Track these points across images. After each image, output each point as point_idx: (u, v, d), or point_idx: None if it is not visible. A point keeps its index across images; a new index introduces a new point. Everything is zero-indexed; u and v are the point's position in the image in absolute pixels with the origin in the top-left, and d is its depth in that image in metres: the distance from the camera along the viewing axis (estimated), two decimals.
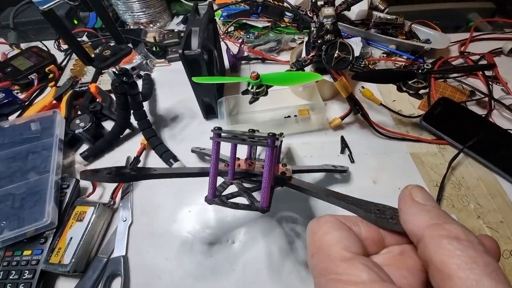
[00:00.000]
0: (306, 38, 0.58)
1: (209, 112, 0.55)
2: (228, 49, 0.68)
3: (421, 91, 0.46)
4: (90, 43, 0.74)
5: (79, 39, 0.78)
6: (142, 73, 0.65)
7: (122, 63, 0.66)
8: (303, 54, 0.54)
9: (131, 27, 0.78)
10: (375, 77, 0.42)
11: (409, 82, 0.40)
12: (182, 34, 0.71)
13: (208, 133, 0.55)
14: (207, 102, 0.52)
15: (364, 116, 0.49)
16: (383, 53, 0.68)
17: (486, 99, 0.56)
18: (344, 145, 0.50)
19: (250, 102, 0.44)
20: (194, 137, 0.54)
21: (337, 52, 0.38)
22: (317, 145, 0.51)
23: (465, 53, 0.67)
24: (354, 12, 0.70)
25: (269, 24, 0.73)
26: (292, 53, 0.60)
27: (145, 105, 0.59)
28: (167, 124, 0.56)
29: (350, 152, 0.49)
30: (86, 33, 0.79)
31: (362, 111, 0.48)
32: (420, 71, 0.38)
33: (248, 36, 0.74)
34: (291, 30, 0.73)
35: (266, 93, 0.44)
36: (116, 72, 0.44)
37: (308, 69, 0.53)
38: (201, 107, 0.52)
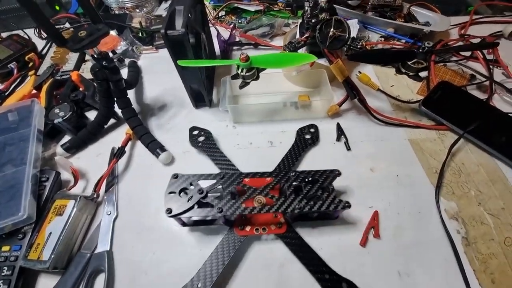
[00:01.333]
0: (299, 22, 0.55)
1: (198, 100, 0.52)
2: (218, 35, 0.65)
3: (421, 74, 0.44)
4: (72, 29, 0.70)
5: (61, 26, 0.74)
6: (127, 60, 0.62)
7: (106, 49, 0.62)
8: (297, 36, 0.51)
9: (116, 12, 0.74)
10: (373, 57, 0.40)
11: (409, 63, 0.37)
12: None
13: (197, 122, 0.54)
14: (195, 90, 0.49)
15: (361, 102, 0.47)
16: (380, 37, 0.65)
17: (487, 83, 0.54)
18: (340, 132, 0.48)
19: (240, 87, 0.42)
20: (183, 127, 0.51)
21: (332, 30, 0.36)
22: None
23: (465, 36, 0.64)
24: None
25: (261, 7, 0.69)
26: (285, 36, 0.57)
27: (131, 93, 0.56)
28: (154, 113, 0.54)
29: (346, 139, 0.47)
30: (67, 19, 0.74)
31: (359, 96, 0.46)
32: (420, 51, 0.36)
33: (239, 21, 0.70)
34: (285, 14, 0.70)
35: (257, 77, 0.42)
36: (95, 56, 0.41)
37: (302, 51, 0.50)
38: (190, 94, 0.50)
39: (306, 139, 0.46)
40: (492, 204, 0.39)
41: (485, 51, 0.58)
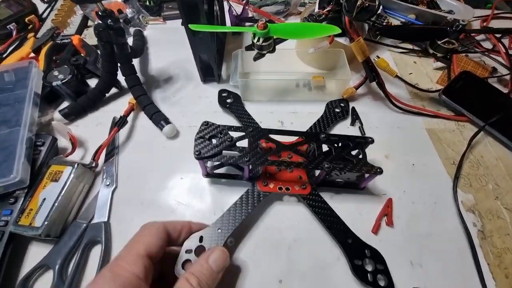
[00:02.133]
0: None
1: (207, 74, 0.49)
2: (230, 9, 0.61)
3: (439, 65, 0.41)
4: None
5: None
6: (132, 29, 0.58)
7: None
8: (316, 10, 0.48)
9: None
10: (402, 33, 0.37)
11: (439, 42, 0.35)
12: None
13: (205, 97, 0.51)
14: (205, 62, 0.46)
15: (380, 85, 0.44)
16: (401, 23, 0.61)
17: (508, 77, 0.51)
18: (355, 116, 0.45)
19: (255, 59, 0.39)
20: (190, 101, 0.48)
21: None
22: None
23: (488, 29, 0.61)
24: None
25: None
26: (304, 10, 0.54)
27: (136, 63, 0.53)
28: (159, 85, 0.51)
29: (361, 124, 0.44)
30: None
31: (378, 79, 0.43)
32: (454, 29, 0.33)
33: None
34: None
35: (274, 49, 0.39)
36: (100, 13, 0.38)
37: None
38: (198, 66, 0.47)
39: (336, 112, 0.45)
40: (509, 199, 0.38)
41: (506, 45, 0.56)
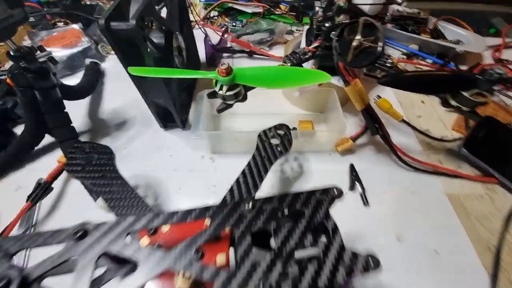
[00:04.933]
0: (305, 28, 0.44)
1: (167, 119, 0.39)
2: (206, 38, 0.53)
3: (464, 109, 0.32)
4: (32, 18, 0.58)
5: None
6: (88, 61, 0.49)
7: (61, 45, 0.50)
8: (303, 45, 0.39)
9: (88, 2, 0.62)
10: (416, 83, 0.28)
11: (465, 94, 0.25)
12: None
13: (165, 148, 0.37)
14: (161, 106, 0.36)
15: (385, 138, 0.34)
16: (402, 54, 0.53)
17: None
18: (355, 177, 0.35)
19: (219, 111, 0.29)
20: (144, 153, 0.38)
21: (358, 38, 0.24)
22: (316, 174, 0.36)
23: (503, 61, 0.53)
24: (365, 7, 0.55)
25: (261, 10, 0.58)
26: (288, 44, 0.45)
27: (84, 103, 0.43)
28: (109, 132, 0.41)
29: (363, 189, 0.34)
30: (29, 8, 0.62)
31: (382, 130, 0.34)
32: (487, 78, 0.24)
33: (234, 24, 0.59)
34: (288, 19, 0.58)
35: (244, 98, 0.29)
36: (12, 53, 0.28)
37: (307, 65, 0.38)
38: (154, 112, 0.37)
39: (273, 146, 0.29)
40: None
41: None
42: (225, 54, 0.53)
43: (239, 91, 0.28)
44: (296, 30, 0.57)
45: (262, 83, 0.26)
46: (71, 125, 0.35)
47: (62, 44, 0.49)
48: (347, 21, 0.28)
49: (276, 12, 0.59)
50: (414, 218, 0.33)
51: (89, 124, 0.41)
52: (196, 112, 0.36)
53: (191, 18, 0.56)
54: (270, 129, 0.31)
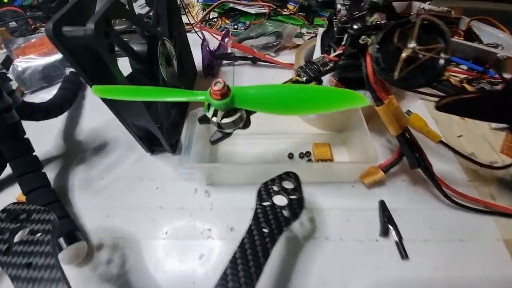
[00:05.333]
0: (320, 31, 0.36)
1: (154, 142, 0.32)
2: (204, 43, 0.46)
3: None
4: (13, 22, 0.53)
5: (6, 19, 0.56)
6: (67, 70, 0.43)
7: (36, 53, 0.43)
8: (316, 54, 0.32)
9: None
10: (499, 109, 0.19)
11: None
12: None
13: (149, 179, 0.29)
14: (143, 127, 0.30)
15: (427, 171, 0.27)
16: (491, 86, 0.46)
17: None
18: (387, 219, 0.28)
19: (213, 142, 0.22)
20: (125, 185, 0.31)
21: (412, 45, 0.16)
22: (334, 214, 0.29)
23: None
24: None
25: (266, 10, 0.51)
26: (299, 50, 0.38)
27: (58, 121, 0.37)
28: (85, 157, 0.34)
29: (399, 237, 0.27)
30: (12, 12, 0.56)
31: (424, 162, 0.26)
32: None
33: (235, 27, 0.52)
34: (297, 20, 0.51)
35: (247, 124, 0.22)
36: None
37: (327, 77, 0.31)
38: (135, 135, 0.30)
39: (277, 209, 0.22)
40: None
41: None
42: (225, 62, 0.47)
43: (239, 117, 0.21)
44: (307, 32, 0.50)
45: (273, 108, 0.19)
46: (33, 154, 0.28)
47: (37, 51, 0.42)
48: (383, 22, 0.21)
49: (284, 13, 0.52)
50: (465, 273, 0.25)
51: (61, 147, 0.35)
52: (188, 134, 0.29)
53: (187, 20, 0.49)
54: (273, 180, 0.24)
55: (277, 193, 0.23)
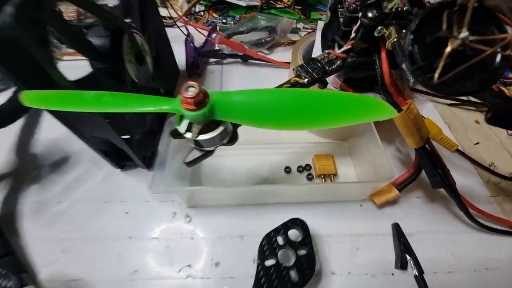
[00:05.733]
0: (320, 24, 0.32)
1: (124, 156, 0.27)
2: (188, 39, 0.41)
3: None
4: None
5: None
6: None
7: None
8: (316, 50, 0.28)
9: None
10: None
11: None
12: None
13: (118, 202, 0.25)
14: (105, 140, 0.24)
15: (453, 192, 0.23)
16: None
17: None
18: (404, 248, 0.23)
19: (188, 164, 0.17)
20: (87, 210, 0.26)
21: (463, 35, 0.12)
22: (342, 240, 0.24)
23: None
24: None
25: (258, 2, 0.46)
26: (296, 47, 0.33)
27: (10, 132, 0.31)
28: (39, 176, 0.28)
29: (420, 270, 0.22)
30: None
31: (449, 179, 0.22)
32: None
33: (224, 21, 0.47)
34: (293, 14, 0.47)
35: (233, 139, 0.17)
36: None
37: (330, 78, 0.26)
38: (97, 149, 0.24)
39: (283, 271, 0.19)
40: None
41: None
42: (212, 60, 0.41)
43: (222, 132, 0.15)
44: (303, 28, 0.45)
45: (267, 122, 0.14)
46: None
47: None
48: (407, 8, 0.16)
49: (278, 6, 0.47)
50: None
51: (11, 163, 0.29)
52: (164, 145, 0.24)
53: (169, 14, 0.44)
54: (277, 230, 0.20)
55: (282, 247, 0.19)
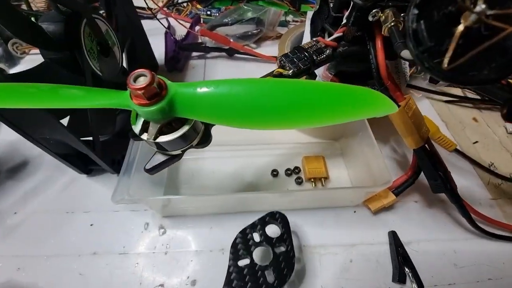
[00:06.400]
0: (309, 14, 0.29)
1: (88, 161, 0.23)
2: (168, 32, 0.38)
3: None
4: None
5: None
6: None
7: None
8: (306, 38, 0.25)
9: None
10: None
11: None
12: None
13: (81, 212, 0.22)
14: (61, 142, 0.21)
15: (455, 197, 0.20)
16: None
17: None
18: (402, 259, 0.21)
19: (149, 171, 0.14)
20: (47, 222, 0.22)
21: (481, 8, 0.09)
22: (334, 251, 0.22)
23: None
24: None
25: None
26: (283, 39, 0.31)
27: None
28: None
29: (420, 283, 0.20)
30: None
31: (451, 183, 0.20)
32: None
33: (209, 13, 0.44)
34: (282, 6, 0.44)
35: (205, 140, 0.14)
36: None
37: (320, 71, 0.24)
38: (53, 153, 0.21)
39: (258, 272, 0.17)
40: None
41: None
42: (194, 54, 0.38)
43: (188, 132, 0.13)
44: (293, 21, 0.43)
45: (241, 119, 0.11)
46: None
47: None
48: None
49: None
50: None
51: None
52: (131, 147, 0.21)
53: (148, 5, 0.41)
54: (253, 226, 0.18)
55: (258, 244, 0.16)
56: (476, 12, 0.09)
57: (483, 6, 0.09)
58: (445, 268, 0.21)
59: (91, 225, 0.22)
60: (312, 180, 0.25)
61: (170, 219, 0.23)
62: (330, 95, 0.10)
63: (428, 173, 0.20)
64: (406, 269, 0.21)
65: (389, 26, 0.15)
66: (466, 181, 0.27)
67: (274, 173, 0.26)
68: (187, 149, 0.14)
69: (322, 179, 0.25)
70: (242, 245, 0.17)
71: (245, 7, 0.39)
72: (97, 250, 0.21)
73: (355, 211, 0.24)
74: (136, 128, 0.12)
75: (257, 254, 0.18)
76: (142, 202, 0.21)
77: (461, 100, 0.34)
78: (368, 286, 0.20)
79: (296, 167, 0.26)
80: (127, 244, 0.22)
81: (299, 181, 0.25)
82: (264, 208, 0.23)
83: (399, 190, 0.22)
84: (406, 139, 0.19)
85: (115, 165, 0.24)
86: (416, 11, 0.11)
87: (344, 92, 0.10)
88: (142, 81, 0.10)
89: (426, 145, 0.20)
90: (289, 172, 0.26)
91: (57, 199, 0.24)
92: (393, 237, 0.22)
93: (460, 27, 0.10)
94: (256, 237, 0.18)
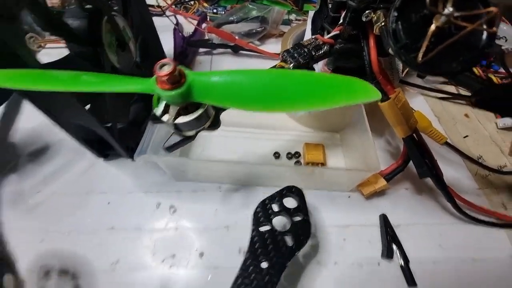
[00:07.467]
0: (311, 14, 0.31)
1: (107, 145, 0.26)
2: (177, 28, 0.40)
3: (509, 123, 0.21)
4: None
5: None
6: None
7: None
8: (308, 36, 0.27)
9: None
10: None
11: None
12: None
13: (100, 193, 0.25)
14: (88, 127, 0.23)
15: (440, 182, 0.22)
16: None
17: None
18: (391, 238, 0.23)
19: (168, 149, 0.16)
20: (68, 201, 0.25)
21: (448, 11, 0.11)
22: (329, 231, 0.24)
23: None
24: None
25: None
26: (285, 37, 0.33)
27: None
28: (17, 165, 0.27)
29: (406, 260, 0.22)
30: None
31: (436, 170, 0.22)
32: None
33: (215, 11, 0.46)
34: (285, 6, 0.46)
35: (215, 124, 0.17)
36: None
37: (319, 67, 0.25)
38: (79, 139, 0.24)
39: (278, 236, 0.19)
40: None
41: None
42: (201, 50, 0.40)
43: (202, 115, 0.15)
44: (296, 19, 0.45)
45: (247, 103, 0.13)
46: None
47: None
48: None
49: None
50: None
51: None
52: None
53: (157, 3, 0.43)
54: (273, 198, 0.20)
55: (277, 213, 0.19)
56: (445, 14, 0.11)
57: (451, 9, 0.11)
58: (431, 248, 0.23)
59: (108, 203, 0.25)
60: (310, 164, 0.27)
61: (180, 201, 0.25)
62: (324, 83, 0.12)
63: (415, 160, 0.22)
64: (394, 247, 0.23)
65: (380, 25, 0.17)
66: (455, 172, 0.29)
67: (276, 155, 0.28)
68: (199, 131, 0.16)
69: (319, 164, 0.27)
70: (262, 213, 0.19)
71: (250, 5, 0.41)
72: (114, 225, 0.23)
73: (349, 196, 0.26)
74: (158, 110, 0.14)
75: (276, 222, 0.20)
76: (159, 162, 0.23)
77: (454, 97, 0.36)
78: (359, 261, 0.22)
79: (297, 152, 0.28)
80: (141, 221, 0.24)
81: (298, 165, 0.27)
82: (263, 184, 0.25)
83: (390, 176, 0.24)
84: (396, 129, 0.21)
85: (129, 151, 0.27)
86: (395, 14, 0.13)
87: (334, 81, 0.12)
88: (166, 69, 0.12)
89: (415, 135, 0.22)
90: (289, 156, 0.28)
91: (76, 180, 0.26)
92: (384, 219, 0.24)
93: (432, 27, 0.12)
94: (275, 207, 0.20)
